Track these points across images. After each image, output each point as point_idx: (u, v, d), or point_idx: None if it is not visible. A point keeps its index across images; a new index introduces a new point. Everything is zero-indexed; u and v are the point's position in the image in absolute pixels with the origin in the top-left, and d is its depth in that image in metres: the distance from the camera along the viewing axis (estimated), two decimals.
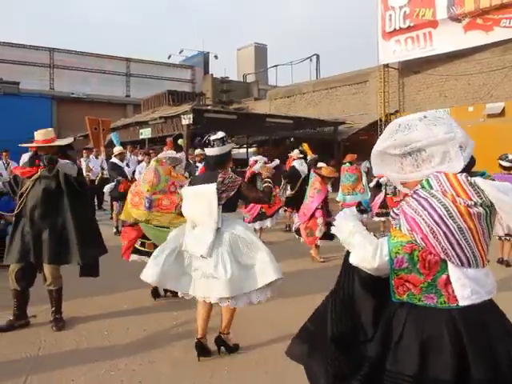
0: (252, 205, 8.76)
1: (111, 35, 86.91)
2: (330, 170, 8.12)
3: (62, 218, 4.68)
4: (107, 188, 10.04)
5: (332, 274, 2.36)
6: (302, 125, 20.80)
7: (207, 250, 3.76)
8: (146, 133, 19.54)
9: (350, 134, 22.03)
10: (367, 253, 1.93)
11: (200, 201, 3.90)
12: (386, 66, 22.39)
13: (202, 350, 3.96)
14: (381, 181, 9.69)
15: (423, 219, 1.85)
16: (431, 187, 1.90)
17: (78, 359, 3.96)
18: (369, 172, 11.62)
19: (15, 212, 4.70)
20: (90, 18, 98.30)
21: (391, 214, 2.11)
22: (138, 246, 5.70)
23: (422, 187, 1.92)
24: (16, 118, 28.26)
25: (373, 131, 22.45)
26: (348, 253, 2.07)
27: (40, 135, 4.73)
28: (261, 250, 3.82)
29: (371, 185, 10.42)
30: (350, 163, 11.44)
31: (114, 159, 10.33)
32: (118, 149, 10.45)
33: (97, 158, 13.02)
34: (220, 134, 4.03)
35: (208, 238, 3.78)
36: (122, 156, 10.42)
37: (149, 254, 5.20)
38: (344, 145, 22.33)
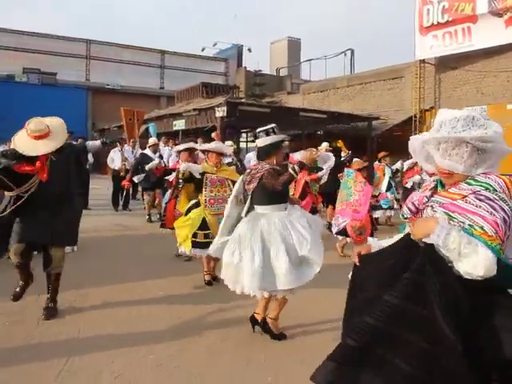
0: (305, 201, 8.63)
1: (146, 27, 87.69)
2: (358, 161, 8.05)
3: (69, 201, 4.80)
4: (136, 179, 10.13)
5: None
6: (335, 119, 20.63)
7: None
8: (179, 124, 19.68)
9: (384, 129, 21.78)
10: (488, 260, 1.83)
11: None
12: (423, 61, 22.03)
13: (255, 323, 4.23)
14: (414, 179, 9.62)
15: (504, 221, 1.88)
16: (495, 190, 1.95)
17: (117, 343, 4.05)
18: (398, 172, 11.39)
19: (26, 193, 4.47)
20: (129, 15, 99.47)
21: (433, 206, 2.09)
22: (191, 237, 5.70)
23: (487, 189, 1.96)
24: (53, 107, 28.73)
25: (407, 127, 22.18)
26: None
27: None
28: (303, 244, 3.84)
29: (408, 185, 10.26)
30: (379, 161, 11.29)
31: (146, 150, 10.41)
32: (152, 140, 10.54)
33: (133, 148, 13.18)
34: (268, 126, 4.06)
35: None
36: (155, 147, 10.50)
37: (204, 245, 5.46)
38: (377, 141, 22.09)
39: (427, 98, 22.29)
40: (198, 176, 5.75)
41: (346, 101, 26.58)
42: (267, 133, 4.02)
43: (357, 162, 8.02)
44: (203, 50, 39.68)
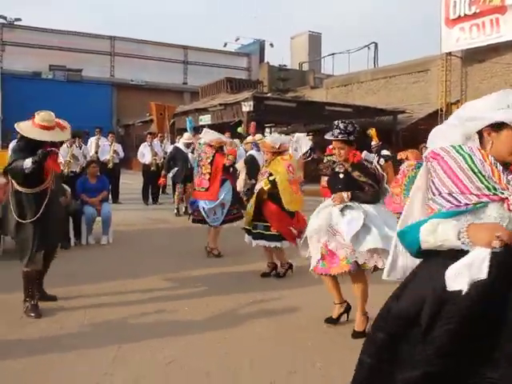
0: None
1: (169, 24, 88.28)
2: (415, 152, 8.08)
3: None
4: (171, 173, 10.20)
5: None
6: (360, 113, 20.54)
7: None
8: (205, 119, 19.82)
9: (409, 123, 21.62)
10: None
11: None
12: (449, 54, 21.81)
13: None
14: None
15: None
16: None
17: (164, 331, 4.14)
18: None
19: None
20: (151, 10, 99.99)
21: None
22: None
23: None
24: (79, 104, 29.29)
25: (432, 121, 21.97)
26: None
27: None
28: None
29: None
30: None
31: (179, 144, 10.45)
32: (187, 135, 10.57)
33: (161, 143, 13.35)
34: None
35: None
36: (189, 143, 10.52)
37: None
38: (403, 134, 21.95)
39: (453, 91, 22.07)
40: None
41: (370, 95, 26.44)
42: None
43: (414, 152, 8.03)
44: (225, 45, 39.79)
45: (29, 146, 4.40)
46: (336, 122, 4.18)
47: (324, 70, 38.37)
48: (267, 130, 27.49)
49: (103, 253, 7.32)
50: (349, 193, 4.05)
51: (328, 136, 4.17)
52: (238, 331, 4.15)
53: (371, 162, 8.65)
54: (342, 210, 4.00)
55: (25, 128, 4.45)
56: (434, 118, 21.87)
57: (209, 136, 7.12)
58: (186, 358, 3.61)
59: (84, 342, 3.87)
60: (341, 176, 4.19)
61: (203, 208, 6.92)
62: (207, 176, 6.92)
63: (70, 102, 28.88)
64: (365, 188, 4.08)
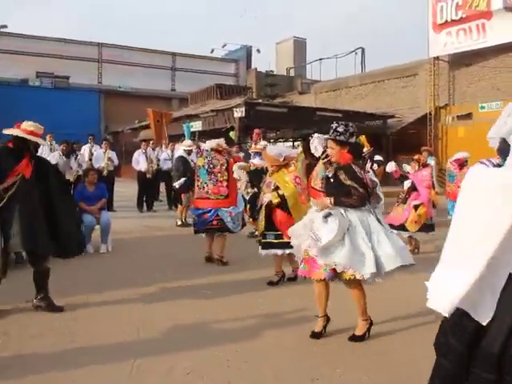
0: None
1: (155, 30, 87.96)
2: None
3: None
4: (178, 184, 9.92)
5: None
6: (350, 118, 20.63)
7: None
8: (196, 126, 19.75)
9: (399, 127, 21.77)
10: None
11: None
12: (437, 58, 22.03)
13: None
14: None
15: None
16: None
17: (178, 341, 4.10)
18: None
19: None
20: (138, 17, 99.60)
21: None
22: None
23: None
24: (66, 111, 29.11)
25: (421, 125, 22.17)
26: None
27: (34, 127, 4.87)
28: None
29: None
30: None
31: (182, 153, 10.28)
32: (187, 142, 10.46)
33: (154, 150, 13.30)
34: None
35: None
36: (190, 150, 10.40)
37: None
38: (392, 139, 22.11)
39: (442, 95, 22.28)
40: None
41: (358, 99, 26.58)
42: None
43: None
44: (212, 51, 39.79)
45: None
46: (334, 124, 4.18)
47: (311, 75, 38.51)
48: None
49: (104, 261, 7.25)
50: (331, 199, 4.05)
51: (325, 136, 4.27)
52: (255, 340, 4.13)
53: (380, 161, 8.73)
54: (325, 217, 3.97)
55: (11, 131, 4.81)
56: (422, 122, 22.08)
57: (214, 142, 7.09)
58: (204, 368, 3.58)
59: (97, 356, 3.79)
60: (331, 180, 4.17)
61: (230, 215, 6.87)
62: (225, 183, 6.84)
63: (58, 109, 28.74)
64: (351, 191, 4.04)
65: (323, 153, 4.50)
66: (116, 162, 12.68)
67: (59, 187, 5.05)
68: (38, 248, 4.77)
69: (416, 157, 8.42)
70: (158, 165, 13.04)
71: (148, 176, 12.46)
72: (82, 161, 11.82)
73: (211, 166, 6.89)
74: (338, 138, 4.08)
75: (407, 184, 8.20)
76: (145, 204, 12.75)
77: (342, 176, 4.05)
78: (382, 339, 4.16)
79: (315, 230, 3.95)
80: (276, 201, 5.60)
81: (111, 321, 4.59)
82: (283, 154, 5.74)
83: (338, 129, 4.10)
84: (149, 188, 12.71)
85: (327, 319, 4.24)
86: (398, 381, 3.43)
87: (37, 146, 5.04)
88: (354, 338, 4.08)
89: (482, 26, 19.95)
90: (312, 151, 4.54)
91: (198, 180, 7.00)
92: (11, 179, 4.62)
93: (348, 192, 4.01)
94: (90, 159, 12.43)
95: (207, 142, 7.25)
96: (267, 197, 5.68)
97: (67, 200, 5.21)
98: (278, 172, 5.73)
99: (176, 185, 9.99)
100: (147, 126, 19.98)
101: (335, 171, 4.12)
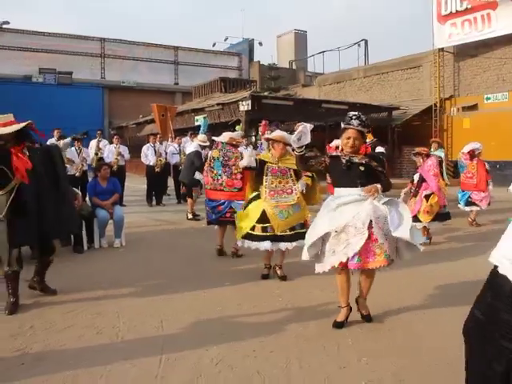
0: None
1: (157, 24, 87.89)
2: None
3: None
4: (198, 175, 9.80)
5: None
6: (356, 110, 20.54)
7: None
8: (201, 119, 19.78)
9: (404, 119, 21.76)
10: None
11: None
12: (441, 50, 21.99)
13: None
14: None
15: None
16: None
17: (201, 332, 4.15)
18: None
19: None
20: (139, 11, 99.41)
21: None
22: (249, 230, 5.63)
23: None
24: (70, 107, 29.14)
25: (425, 117, 22.16)
26: None
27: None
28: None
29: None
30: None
31: (197, 147, 10.22)
32: (202, 137, 10.40)
33: (161, 143, 13.31)
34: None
35: None
36: (205, 146, 10.31)
37: (259, 239, 5.50)
38: (397, 131, 22.10)
39: (446, 86, 22.27)
40: (254, 165, 5.79)
41: (362, 92, 26.58)
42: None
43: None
44: (214, 45, 39.81)
45: None
46: (356, 113, 4.19)
47: (313, 67, 38.48)
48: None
49: (120, 256, 7.30)
50: (378, 185, 4.09)
51: (345, 124, 4.17)
52: (277, 331, 4.16)
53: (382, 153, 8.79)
54: (385, 204, 4.04)
55: None
56: (427, 114, 22.08)
57: (228, 135, 7.12)
58: (232, 358, 3.62)
59: (125, 348, 3.86)
60: (362, 168, 4.12)
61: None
62: (239, 176, 6.86)
63: (61, 105, 28.78)
64: (381, 178, 4.13)
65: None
66: (127, 156, 12.68)
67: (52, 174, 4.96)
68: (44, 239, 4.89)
69: (417, 150, 8.45)
70: (165, 159, 13.07)
71: (156, 170, 12.50)
72: (87, 155, 11.84)
73: (226, 158, 6.92)
74: (361, 128, 4.11)
75: (416, 177, 8.23)
76: (154, 198, 12.79)
77: (374, 164, 4.10)
78: (406, 327, 4.20)
79: (382, 223, 3.99)
80: (308, 181, 5.80)
81: (133, 314, 4.63)
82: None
83: (362, 118, 4.13)
84: (157, 182, 12.74)
85: (349, 309, 4.28)
86: (423, 367, 3.47)
87: (16, 136, 4.66)
88: (370, 319, 4.30)
89: (487, 17, 19.92)
90: (293, 139, 4.37)
91: (212, 171, 7.00)
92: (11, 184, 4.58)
93: (378, 178, 4.09)
94: (96, 153, 12.49)
95: (223, 133, 7.25)
96: (302, 184, 5.75)
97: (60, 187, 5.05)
98: (286, 155, 5.75)
99: (197, 177, 9.86)
100: (152, 121, 20.01)
101: (366, 161, 4.13)
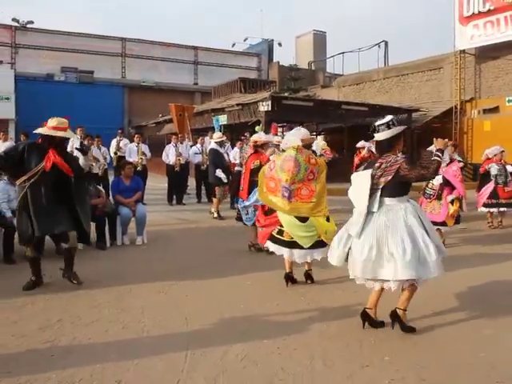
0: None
1: (177, 24, 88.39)
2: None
3: None
4: (218, 172, 9.90)
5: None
6: (376, 112, 20.57)
7: (356, 231, 3.98)
8: (221, 119, 19.89)
9: (423, 121, 21.63)
10: None
11: (358, 185, 4.12)
12: (463, 51, 21.82)
13: (367, 318, 4.24)
14: (492, 171, 9.56)
15: None
16: None
17: (225, 330, 4.23)
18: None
19: None
20: (160, 11, 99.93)
21: None
22: (275, 233, 5.52)
23: None
24: (90, 105, 29.47)
25: (446, 119, 22.00)
26: None
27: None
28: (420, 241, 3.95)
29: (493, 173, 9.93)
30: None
31: (214, 145, 10.32)
32: (217, 134, 10.51)
33: (182, 143, 13.41)
34: (386, 119, 4.17)
35: (358, 220, 3.99)
36: (221, 142, 10.41)
37: (285, 244, 5.41)
38: (416, 133, 21.98)
39: (467, 88, 22.08)
40: None
41: (382, 93, 26.47)
42: (388, 126, 4.12)
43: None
44: (233, 45, 39.88)
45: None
46: (393, 117, 4.24)
47: (333, 68, 38.39)
48: (279, 129, 27.73)
49: (141, 253, 7.41)
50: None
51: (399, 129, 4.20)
52: (301, 329, 4.21)
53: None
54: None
55: (40, 130, 5.33)
56: (447, 116, 21.93)
57: (258, 136, 7.20)
58: (256, 355, 3.68)
59: (151, 343, 3.94)
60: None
61: (241, 206, 7.08)
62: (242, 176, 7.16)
63: (82, 104, 29.10)
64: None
65: None
66: (149, 155, 12.75)
67: (76, 182, 5.47)
68: (61, 228, 5.28)
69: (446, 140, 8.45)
70: (186, 158, 13.14)
71: (176, 169, 12.59)
72: (106, 154, 11.97)
73: (244, 159, 7.08)
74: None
75: (438, 180, 8.19)
76: (174, 197, 12.89)
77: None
78: (428, 330, 4.22)
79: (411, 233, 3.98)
80: None
81: (158, 310, 4.72)
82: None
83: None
84: (178, 181, 12.85)
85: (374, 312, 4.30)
86: (446, 368, 3.49)
87: (64, 140, 5.49)
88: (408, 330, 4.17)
89: (510, 18, 19.71)
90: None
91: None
92: (33, 171, 5.15)
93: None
94: (116, 153, 12.64)
95: (258, 134, 7.35)
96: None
97: (82, 193, 5.61)
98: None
99: (220, 176, 9.92)
100: (171, 120, 20.18)
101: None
